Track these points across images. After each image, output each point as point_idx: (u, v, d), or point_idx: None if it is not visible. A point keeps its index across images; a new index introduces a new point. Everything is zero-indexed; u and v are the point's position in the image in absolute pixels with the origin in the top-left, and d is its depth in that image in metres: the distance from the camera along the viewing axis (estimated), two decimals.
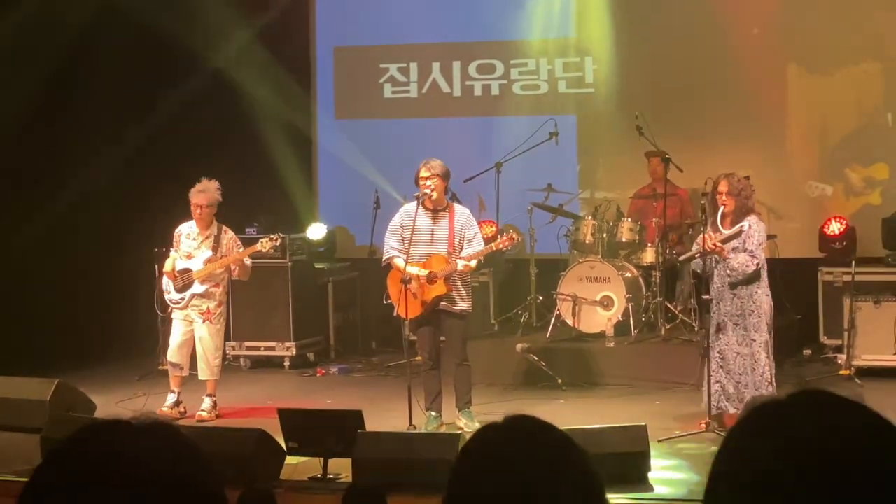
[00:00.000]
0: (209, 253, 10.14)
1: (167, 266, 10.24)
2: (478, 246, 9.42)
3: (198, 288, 10.11)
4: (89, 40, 12.65)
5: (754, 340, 8.92)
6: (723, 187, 8.94)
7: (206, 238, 10.19)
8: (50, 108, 12.60)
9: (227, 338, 11.77)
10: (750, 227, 8.90)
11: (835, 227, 11.92)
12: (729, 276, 8.89)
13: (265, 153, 13.47)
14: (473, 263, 9.42)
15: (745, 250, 8.85)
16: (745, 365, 8.92)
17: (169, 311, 10.33)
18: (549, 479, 1.77)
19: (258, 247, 10.15)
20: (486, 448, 1.84)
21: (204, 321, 10.13)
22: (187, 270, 10.14)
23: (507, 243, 9.61)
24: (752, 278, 8.91)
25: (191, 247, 10.21)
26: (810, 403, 1.60)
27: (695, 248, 9.19)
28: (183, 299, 10.15)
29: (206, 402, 10.17)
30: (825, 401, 1.60)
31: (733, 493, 1.58)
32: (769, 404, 1.62)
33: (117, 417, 1.73)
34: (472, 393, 9.62)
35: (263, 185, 13.47)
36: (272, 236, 10.21)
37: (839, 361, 11.17)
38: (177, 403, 10.22)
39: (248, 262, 10.25)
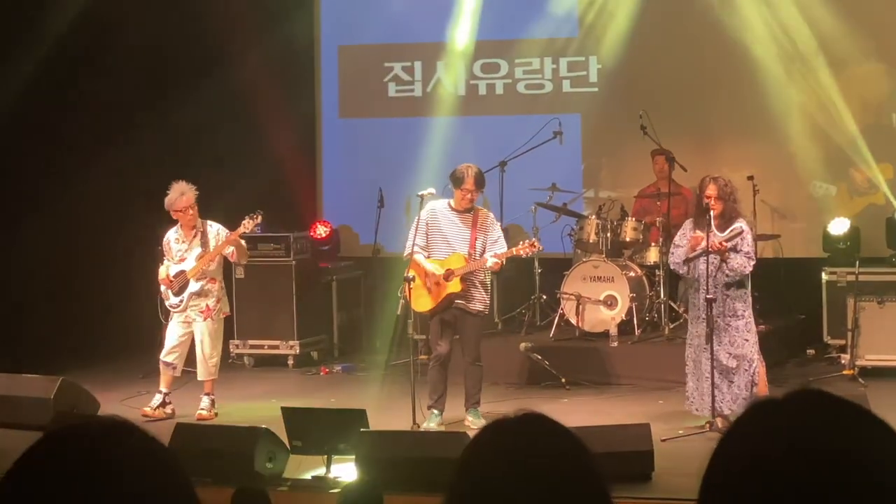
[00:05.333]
0: (199, 249, 10.15)
1: (161, 274, 10.22)
2: (502, 246, 9.46)
3: (193, 286, 10.09)
4: (91, 40, 12.64)
5: (747, 341, 9.01)
6: (711, 191, 8.99)
7: (194, 237, 10.18)
8: (50, 107, 12.60)
9: (230, 336, 11.79)
10: (743, 229, 8.99)
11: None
12: (727, 276, 8.94)
13: (269, 151, 13.46)
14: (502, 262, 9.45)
15: (739, 251, 8.93)
16: (739, 366, 8.97)
17: (170, 316, 10.34)
18: (556, 476, 1.76)
19: (241, 229, 10.12)
20: (496, 441, 1.82)
21: (205, 318, 10.12)
22: (182, 272, 10.14)
23: (528, 250, 9.57)
24: (743, 280, 9.02)
25: (181, 250, 10.20)
26: (806, 403, 1.60)
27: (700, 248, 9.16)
28: (182, 301, 10.11)
29: (205, 401, 10.15)
30: (821, 401, 1.60)
31: (728, 493, 1.58)
32: (765, 404, 1.62)
33: (82, 420, 1.70)
34: None
35: (267, 184, 13.45)
36: (252, 215, 10.18)
37: (843, 361, 11.16)
38: (163, 404, 10.14)
39: (241, 241, 10.19)
